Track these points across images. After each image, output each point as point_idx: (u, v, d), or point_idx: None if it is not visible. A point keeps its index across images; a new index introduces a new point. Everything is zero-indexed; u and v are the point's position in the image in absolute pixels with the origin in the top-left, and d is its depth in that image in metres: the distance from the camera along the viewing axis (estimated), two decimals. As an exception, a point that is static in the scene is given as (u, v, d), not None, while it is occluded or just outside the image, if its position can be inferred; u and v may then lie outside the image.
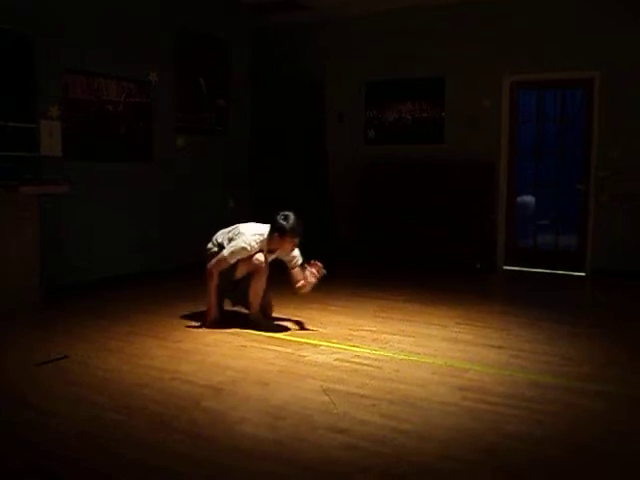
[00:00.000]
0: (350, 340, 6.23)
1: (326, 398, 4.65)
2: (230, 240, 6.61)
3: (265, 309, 6.89)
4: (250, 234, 6.49)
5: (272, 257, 6.68)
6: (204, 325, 6.65)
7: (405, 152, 11.08)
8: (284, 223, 6.41)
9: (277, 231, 6.44)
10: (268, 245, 6.53)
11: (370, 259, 10.91)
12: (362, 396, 4.72)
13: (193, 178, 10.16)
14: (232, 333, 6.41)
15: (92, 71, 8.63)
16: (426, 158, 10.89)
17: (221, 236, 6.81)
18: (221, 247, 6.68)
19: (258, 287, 6.65)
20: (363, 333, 6.51)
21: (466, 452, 3.86)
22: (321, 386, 4.90)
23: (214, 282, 6.55)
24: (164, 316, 7.08)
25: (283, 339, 6.23)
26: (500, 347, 6.03)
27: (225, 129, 10.95)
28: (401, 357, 5.71)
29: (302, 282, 6.71)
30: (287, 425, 4.23)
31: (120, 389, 4.89)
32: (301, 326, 6.76)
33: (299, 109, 11.84)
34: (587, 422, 4.36)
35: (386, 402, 4.61)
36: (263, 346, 6.00)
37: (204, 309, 7.18)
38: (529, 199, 10.85)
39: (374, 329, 6.66)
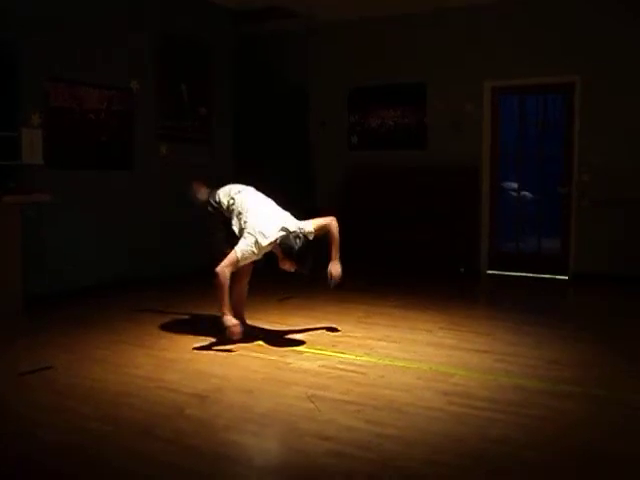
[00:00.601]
0: (335, 346, 6.22)
1: (311, 405, 4.64)
2: (239, 226, 6.20)
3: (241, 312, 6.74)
4: (263, 237, 5.97)
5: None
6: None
7: (388, 158, 11.11)
8: (293, 247, 5.90)
9: (284, 248, 5.97)
10: (273, 246, 6.08)
11: (353, 264, 10.89)
12: (347, 402, 4.71)
13: (176, 186, 10.10)
14: (215, 341, 6.37)
15: (73, 79, 8.59)
16: (409, 163, 10.92)
17: (233, 205, 6.33)
18: (223, 212, 6.39)
19: (240, 291, 6.66)
20: (348, 339, 6.50)
21: (452, 457, 3.86)
22: (306, 393, 4.88)
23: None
24: (148, 324, 7.04)
25: (267, 346, 6.21)
26: (485, 351, 6.04)
27: (208, 137, 10.91)
28: (386, 363, 5.71)
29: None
30: (272, 433, 4.23)
31: (105, 398, 4.86)
32: (286, 333, 6.75)
33: (283, 116, 11.85)
34: (574, 425, 4.37)
35: (371, 408, 4.61)
36: (247, 353, 5.98)
37: (187, 317, 7.20)
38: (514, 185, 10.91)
39: (359, 335, 6.66)
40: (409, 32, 10.94)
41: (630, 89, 9.46)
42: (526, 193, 10.88)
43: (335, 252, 6.50)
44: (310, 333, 6.69)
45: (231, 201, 6.40)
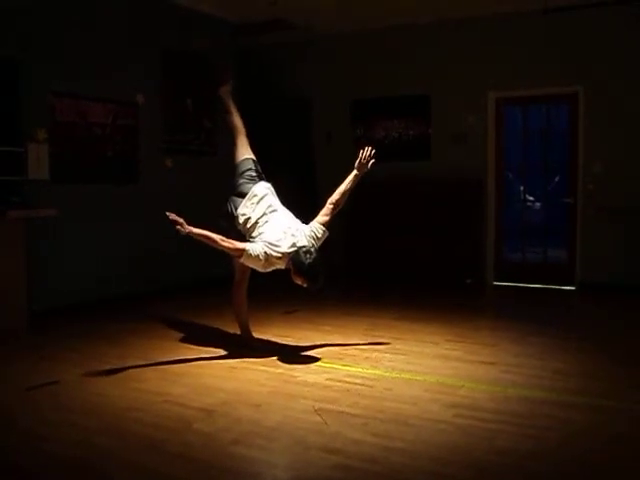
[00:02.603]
0: (341, 359, 6.23)
1: (318, 418, 4.64)
2: (252, 233, 6.20)
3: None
4: (273, 251, 5.93)
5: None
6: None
7: (393, 169, 11.08)
8: (304, 262, 5.80)
9: (295, 264, 5.89)
10: (284, 262, 6.00)
11: (359, 277, 10.92)
12: (354, 415, 4.72)
13: (181, 199, 10.11)
14: (222, 354, 6.40)
15: (78, 94, 8.64)
16: (414, 175, 10.94)
17: (248, 220, 6.26)
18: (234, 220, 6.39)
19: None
20: (354, 352, 6.51)
21: (458, 469, 3.86)
22: (313, 406, 4.89)
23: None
24: (154, 338, 7.06)
25: (274, 359, 6.22)
26: (491, 363, 6.05)
27: (213, 150, 10.93)
28: (393, 375, 5.72)
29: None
30: (280, 446, 4.23)
31: (111, 413, 4.87)
32: (292, 346, 6.76)
33: (287, 128, 11.87)
34: (578, 435, 4.37)
35: (378, 421, 4.61)
36: (254, 367, 5.99)
37: (193, 330, 7.22)
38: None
39: (365, 348, 6.66)
40: (412, 43, 10.99)
41: (632, 97, 9.47)
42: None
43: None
44: (317, 346, 6.70)
45: (247, 213, 6.33)
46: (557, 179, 10.85)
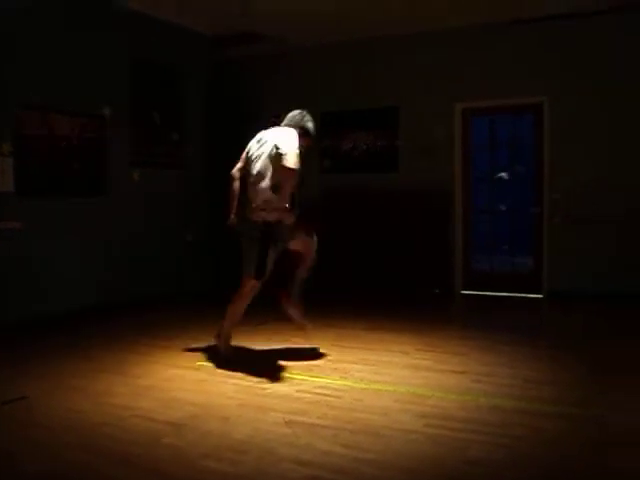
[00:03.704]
0: (311, 370, 6.22)
1: (288, 430, 4.63)
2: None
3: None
4: (294, 141, 6.24)
5: None
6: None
7: (360, 181, 11.13)
8: (311, 126, 6.53)
9: (303, 132, 6.47)
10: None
11: (326, 288, 10.90)
12: (324, 427, 4.70)
13: (149, 213, 10.10)
14: (191, 367, 6.36)
15: (45, 106, 8.57)
16: (382, 186, 10.96)
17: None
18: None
19: (240, 308, 6.57)
20: (323, 363, 6.50)
21: (429, 479, 3.86)
22: (283, 418, 4.87)
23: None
24: (125, 352, 6.99)
25: (243, 372, 6.16)
26: (461, 372, 6.06)
27: (180, 163, 10.90)
28: (362, 386, 5.71)
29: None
30: (250, 459, 4.20)
31: (83, 427, 4.81)
32: (261, 358, 6.73)
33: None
34: (551, 444, 4.38)
35: (348, 432, 4.60)
36: (223, 379, 5.96)
37: (162, 344, 7.18)
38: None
39: (334, 359, 6.65)
40: (381, 56, 11.02)
41: (597, 108, 9.57)
42: (503, 174, 10.92)
43: None
44: (286, 358, 6.68)
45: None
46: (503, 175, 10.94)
